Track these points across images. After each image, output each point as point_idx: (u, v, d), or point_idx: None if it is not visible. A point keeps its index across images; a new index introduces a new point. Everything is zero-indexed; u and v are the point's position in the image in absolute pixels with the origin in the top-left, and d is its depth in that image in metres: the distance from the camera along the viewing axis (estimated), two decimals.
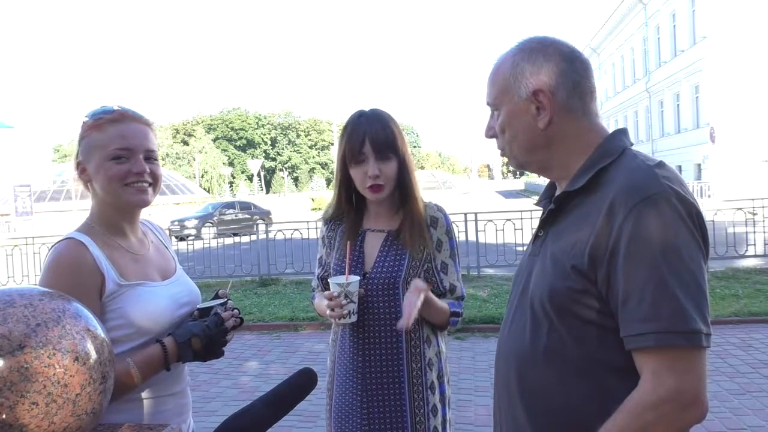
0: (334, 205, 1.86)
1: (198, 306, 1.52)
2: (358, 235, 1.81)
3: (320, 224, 1.97)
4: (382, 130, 1.72)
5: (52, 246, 1.42)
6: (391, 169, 1.72)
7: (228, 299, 1.53)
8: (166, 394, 1.49)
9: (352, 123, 1.76)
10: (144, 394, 1.44)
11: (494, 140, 1.26)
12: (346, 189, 1.82)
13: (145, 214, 1.60)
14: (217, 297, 1.55)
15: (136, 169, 1.42)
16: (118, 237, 1.49)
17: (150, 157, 1.46)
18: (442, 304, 1.75)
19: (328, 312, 1.68)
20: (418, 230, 1.75)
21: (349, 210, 1.83)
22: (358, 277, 1.69)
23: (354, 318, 1.68)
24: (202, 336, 1.40)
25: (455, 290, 1.80)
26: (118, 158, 1.41)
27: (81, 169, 1.45)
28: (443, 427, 1.77)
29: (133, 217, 1.53)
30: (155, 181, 1.47)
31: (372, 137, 1.70)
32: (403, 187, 1.77)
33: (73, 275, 1.35)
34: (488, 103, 1.24)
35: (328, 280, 1.71)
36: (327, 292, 1.68)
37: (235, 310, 1.51)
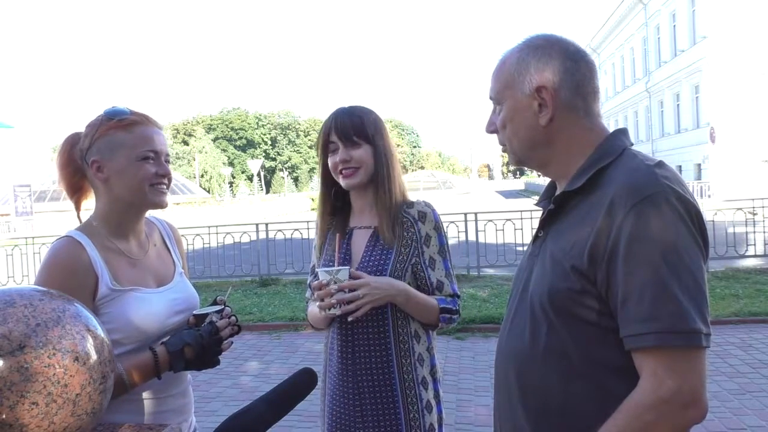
0: (320, 206, 1.86)
1: (194, 312, 1.50)
2: (345, 233, 1.80)
3: (316, 228, 1.94)
4: (348, 118, 1.74)
5: (52, 243, 1.43)
6: (362, 154, 1.72)
7: (225, 306, 1.51)
8: (166, 395, 1.48)
9: (326, 119, 1.79)
10: (144, 395, 1.44)
11: (494, 137, 1.26)
12: (328, 185, 1.82)
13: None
14: (215, 303, 1.52)
15: (162, 171, 1.47)
16: (118, 239, 1.48)
17: (167, 161, 1.51)
18: (428, 299, 1.72)
19: (317, 303, 1.65)
20: (392, 223, 1.74)
21: (336, 206, 1.84)
22: (348, 267, 1.67)
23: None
24: (194, 345, 1.38)
25: (443, 287, 1.76)
26: (146, 159, 1.44)
27: (97, 166, 1.44)
28: (439, 424, 1.76)
29: (140, 219, 1.54)
30: (169, 183, 1.52)
31: (337, 124, 1.73)
32: (376, 179, 1.75)
33: (67, 275, 1.35)
34: (491, 98, 1.24)
35: (317, 270, 1.69)
36: (316, 282, 1.66)
37: (233, 318, 1.48)
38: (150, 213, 1.58)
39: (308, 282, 1.92)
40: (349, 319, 1.63)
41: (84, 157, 1.45)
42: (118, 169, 1.43)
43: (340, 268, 1.64)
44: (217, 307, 1.49)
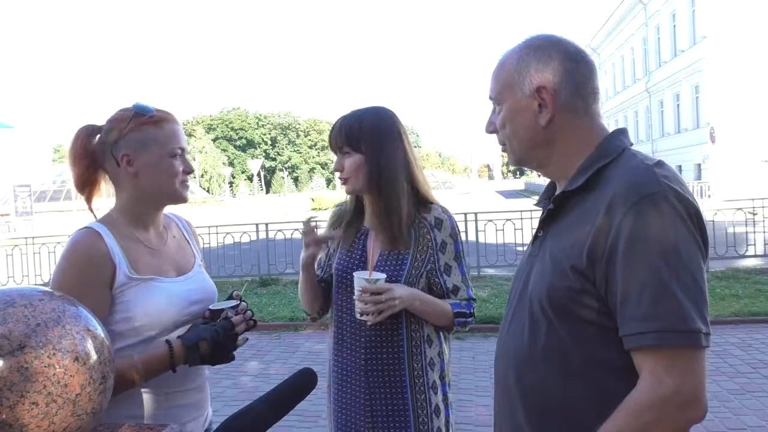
0: (347, 204, 1.88)
1: (210, 307, 1.52)
2: (360, 233, 1.81)
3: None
4: (344, 125, 1.73)
5: (71, 234, 1.46)
6: (351, 163, 1.71)
7: (241, 301, 1.53)
8: (185, 389, 1.51)
9: None
10: (162, 389, 1.46)
11: (494, 137, 1.27)
12: None
13: None
14: (231, 298, 1.55)
15: (188, 168, 1.53)
16: (138, 230, 1.51)
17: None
18: (441, 303, 1.73)
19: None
20: (401, 230, 1.71)
21: (356, 208, 1.85)
22: (385, 275, 1.66)
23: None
24: (210, 341, 1.40)
25: (458, 291, 1.77)
26: (175, 156, 1.49)
27: (127, 160, 1.46)
28: (447, 428, 1.77)
29: (160, 211, 1.58)
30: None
31: (331, 133, 1.76)
32: (373, 186, 1.72)
33: (85, 264, 1.38)
34: (491, 98, 1.24)
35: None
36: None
37: (248, 312, 1.51)
38: (165, 209, 1.61)
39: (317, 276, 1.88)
40: (369, 323, 1.65)
41: (111, 151, 1.47)
42: (150, 163, 1.46)
43: (379, 277, 1.65)
44: (233, 302, 1.51)
